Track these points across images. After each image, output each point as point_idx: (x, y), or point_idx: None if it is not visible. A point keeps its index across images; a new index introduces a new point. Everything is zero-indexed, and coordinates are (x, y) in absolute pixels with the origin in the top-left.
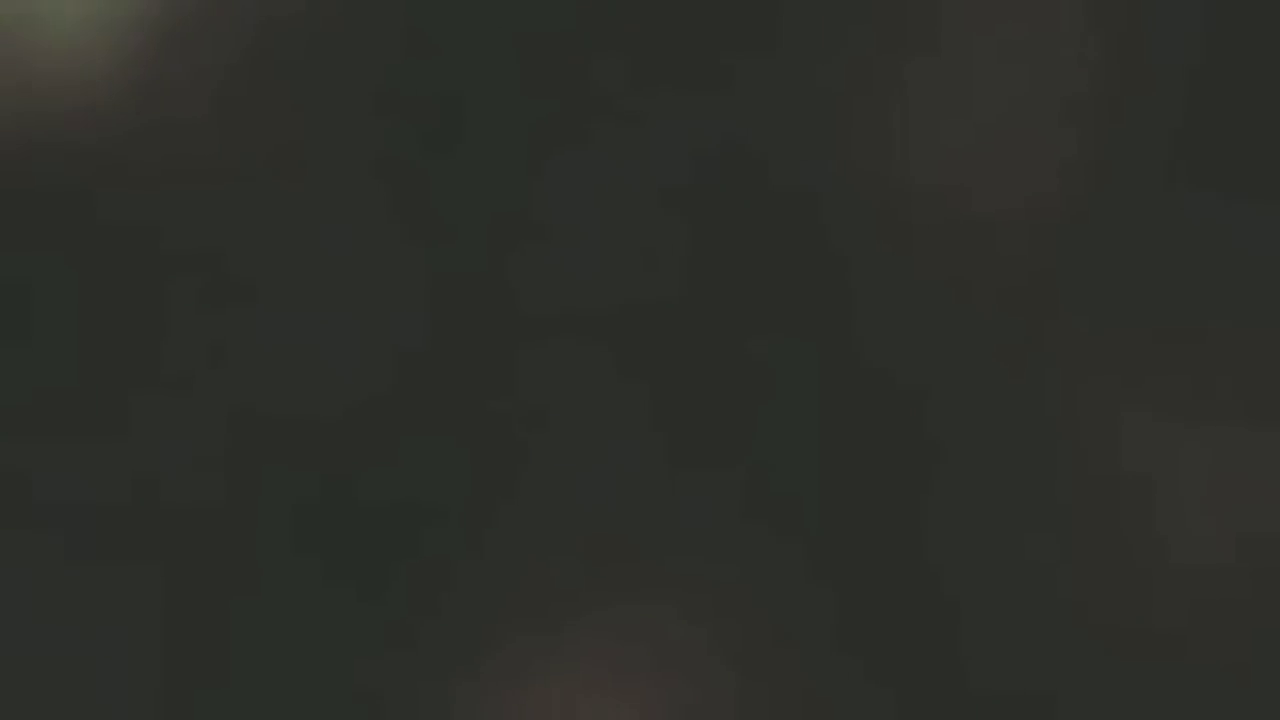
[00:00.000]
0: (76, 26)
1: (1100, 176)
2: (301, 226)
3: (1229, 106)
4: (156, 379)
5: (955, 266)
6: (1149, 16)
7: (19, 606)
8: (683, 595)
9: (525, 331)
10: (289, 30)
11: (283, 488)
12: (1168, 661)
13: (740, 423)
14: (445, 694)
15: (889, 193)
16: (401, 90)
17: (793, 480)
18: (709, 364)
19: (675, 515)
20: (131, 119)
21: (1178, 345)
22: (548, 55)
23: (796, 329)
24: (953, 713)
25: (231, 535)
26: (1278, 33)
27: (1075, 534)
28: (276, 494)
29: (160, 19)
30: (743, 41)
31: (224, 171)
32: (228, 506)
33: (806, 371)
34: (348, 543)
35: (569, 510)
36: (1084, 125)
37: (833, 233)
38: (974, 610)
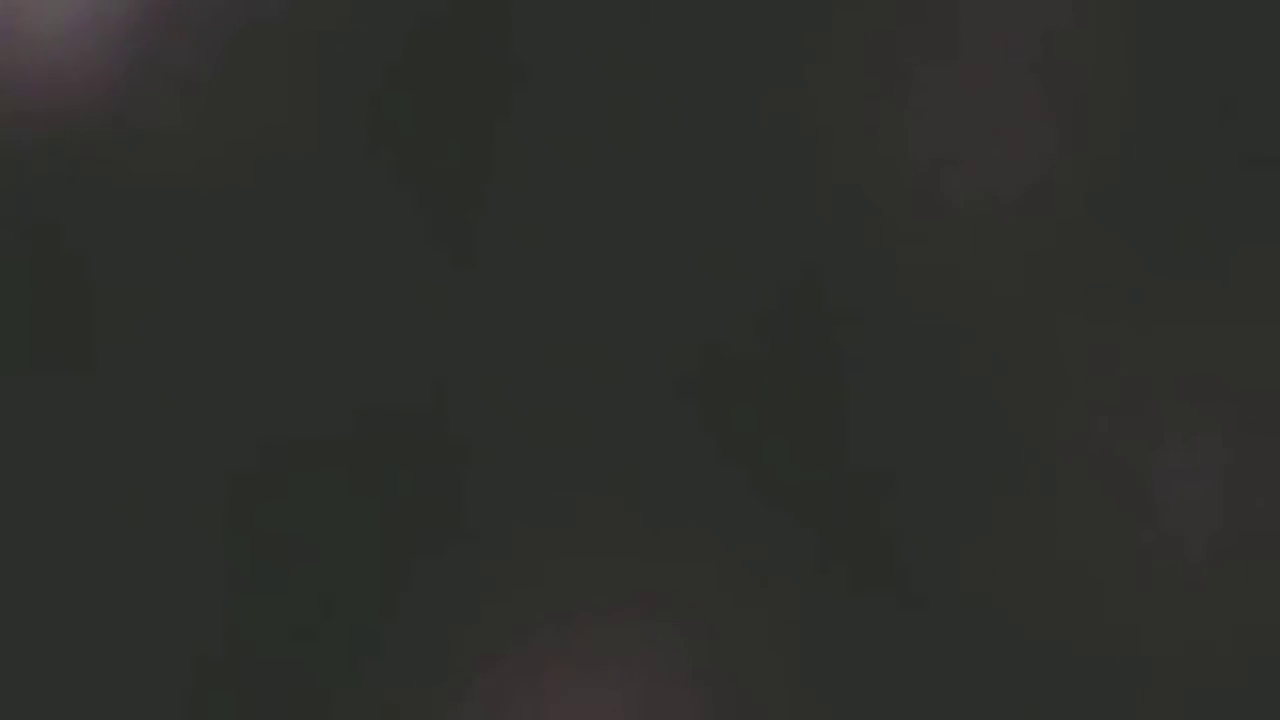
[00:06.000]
0: (58, 24)
1: (1110, 170)
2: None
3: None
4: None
5: (957, 260)
6: (1159, 13)
7: None
8: (672, 596)
9: (520, 326)
10: (279, 31)
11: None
12: (1173, 669)
13: (735, 419)
14: (431, 696)
15: (889, 187)
16: (393, 91)
17: (793, 476)
18: (707, 362)
19: (666, 514)
20: (115, 120)
21: (1187, 344)
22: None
23: (796, 326)
24: (953, 712)
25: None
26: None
27: (1080, 531)
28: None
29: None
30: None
31: (208, 175)
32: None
33: (806, 373)
34: (323, 537)
35: (559, 511)
36: (1092, 119)
37: (835, 224)
38: (976, 611)
